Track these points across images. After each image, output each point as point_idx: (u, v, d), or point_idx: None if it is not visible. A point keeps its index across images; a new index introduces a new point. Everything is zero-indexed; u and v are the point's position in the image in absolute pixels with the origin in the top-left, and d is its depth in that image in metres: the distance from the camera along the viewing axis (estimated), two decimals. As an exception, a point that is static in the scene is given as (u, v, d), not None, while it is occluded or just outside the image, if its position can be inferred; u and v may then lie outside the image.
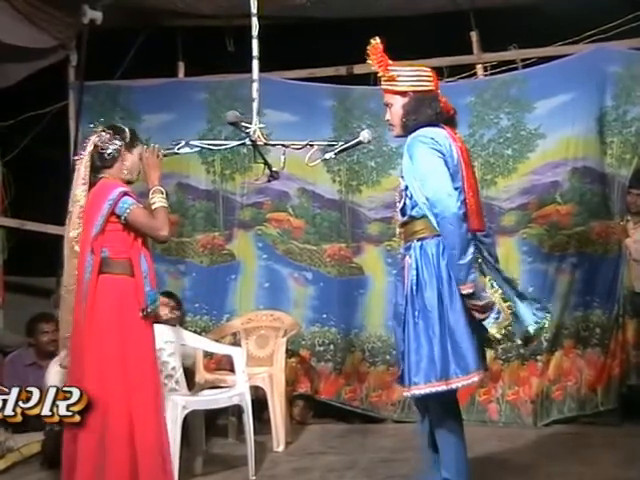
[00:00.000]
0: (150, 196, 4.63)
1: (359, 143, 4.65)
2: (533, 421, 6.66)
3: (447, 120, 4.47)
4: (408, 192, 4.36)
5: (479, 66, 7.25)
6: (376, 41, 4.43)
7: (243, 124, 4.56)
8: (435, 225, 4.27)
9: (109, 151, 4.57)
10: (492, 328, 4.30)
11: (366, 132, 4.59)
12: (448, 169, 4.29)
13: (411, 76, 4.38)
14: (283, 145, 4.62)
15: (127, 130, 4.72)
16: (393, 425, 6.93)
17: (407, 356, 4.31)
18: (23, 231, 7.39)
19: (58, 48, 6.93)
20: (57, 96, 7.47)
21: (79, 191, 4.52)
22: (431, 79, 4.44)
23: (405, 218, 4.41)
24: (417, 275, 4.30)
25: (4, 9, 6.09)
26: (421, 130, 4.33)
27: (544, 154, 6.90)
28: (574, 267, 6.80)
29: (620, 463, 5.41)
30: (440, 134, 4.35)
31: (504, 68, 7.19)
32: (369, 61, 4.44)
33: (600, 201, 6.83)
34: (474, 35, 7.19)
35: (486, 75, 7.27)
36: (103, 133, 4.61)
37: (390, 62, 4.41)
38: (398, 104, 4.41)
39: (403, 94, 4.38)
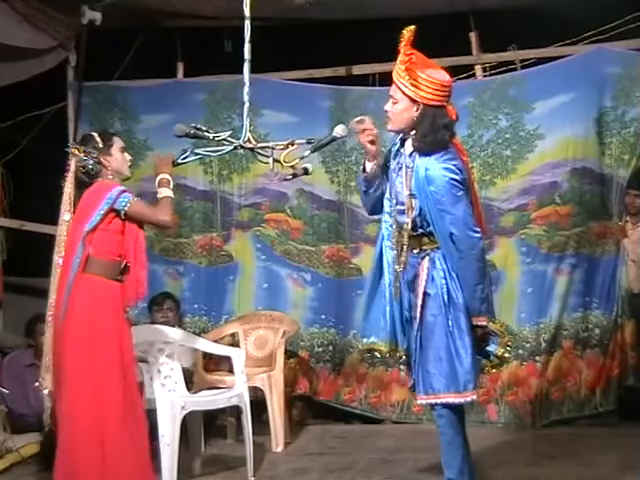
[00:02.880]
0: (157, 186, 4.69)
1: (334, 139, 4.57)
2: (532, 422, 6.67)
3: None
4: (422, 213, 4.28)
5: (478, 67, 7.24)
6: (411, 29, 4.26)
7: (205, 132, 4.57)
8: (450, 253, 4.26)
9: (90, 167, 4.64)
10: (498, 350, 4.34)
11: (339, 127, 4.51)
12: (466, 194, 4.26)
13: (430, 87, 4.20)
14: (268, 147, 4.61)
15: (95, 135, 4.76)
16: (392, 426, 6.93)
17: (431, 364, 4.29)
18: (22, 231, 7.38)
19: (57, 49, 6.92)
20: (56, 96, 7.46)
21: (66, 216, 4.65)
22: (447, 93, 4.27)
23: (415, 232, 4.35)
24: (447, 284, 4.27)
25: (3, 10, 6.08)
26: (444, 157, 4.22)
27: (543, 155, 6.90)
28: (573, 268, 6.81)
29: (619, 464, 5.42)
30: (458, 159, 4.28)
31: (503, 69, 7.18)
32: (401, 44, 4.25)
33: (599, 202, 6.84)
34: (473, 36, 7.19)
35: (485, 76, 7.27)
36: (77, 152, 4.66)
37: (415, 60, 4.24)
38: (404, 107, 4.26)
39: (413, 101, 4.24)
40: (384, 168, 4.49)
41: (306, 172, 4.54)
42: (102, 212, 4.49)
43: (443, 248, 4.26)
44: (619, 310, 6.75)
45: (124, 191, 4.55)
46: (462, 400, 4.26)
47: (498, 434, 6.45)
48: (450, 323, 4.23)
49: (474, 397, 4.29)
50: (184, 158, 4.62)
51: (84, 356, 4.47)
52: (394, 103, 4.32)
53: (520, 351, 6.81)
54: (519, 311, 6.87)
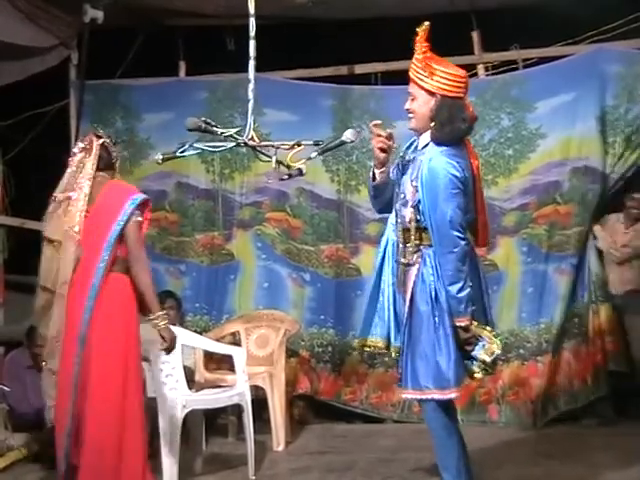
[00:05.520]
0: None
1: (342, 143, 4.54)
2: (533, 422, 6.65)
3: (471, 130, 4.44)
4: (420, 204, 4.28)
5: (480, 66, 7.24)
6: (427, 25, 4.30)
7: (214, 127, 4.55)
8: (436, 248, 4.26)
9: (114, 155, 4.78)
10: (481, 355, 4.28)
11: (349, 132, 4.50)
12: (464, 196, 4.23)
13: (447, 78, 4.24)
14: (272, 146, 4.59)
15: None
16: (393, 425, 6.93)
17: (418, 360, 4.29)
18: (23, 230, 7.38)
19: (59, 47, 6.92)
20: (58, 95, 7.46)
21: (87, 188, 4.60)
22: (464, 85, 4.32)
23: (413, 225, 4.35)
24: (434, 282, 4.26)
25: (5, 8, 6.08)
26: (450, 152, 4.23)
27: (545, 154, 6.91)
28: (574, 268, 6.79)
29: (619, 464, 5.42)
30: (465, 157, 4.28)
31: (505, 68, 7.18)
32: (416, 41, 4.28)
33: (600, 201, 6.82)
34: (475, 35, 7.18)
35: (487, 75, 7.26)
36: (105, 137, 4.78)
37: (430, 55, 4.28)
38: (423, 101, 4.28)
39: (431, 93, 4.26)
40: (397, 168, 4.50)
41: (300, 173, 4.50)
42: (129, 214, 4.56)
43: (433, 242, 4.26)
44: (592, 295, 6.74)
45: (143, 204, 4.66)
46: (444, 397, 4.24)
47: (499, 434, 6.45)
48: (436, 320, 4.23)
49: (453, 395, 4.25)
50: (182, 151, 4.60)
51: (119, 354, 4.52)
52: (413, 100, 4.33)
53: (521, 351, 6.81)
54: (520, 311, 6.88)
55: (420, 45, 4.28)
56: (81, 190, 4.61)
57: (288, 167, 4.45)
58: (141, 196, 4.66)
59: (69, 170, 4.71)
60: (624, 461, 5.45)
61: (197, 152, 4.67)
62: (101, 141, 4.71)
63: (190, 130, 4.61)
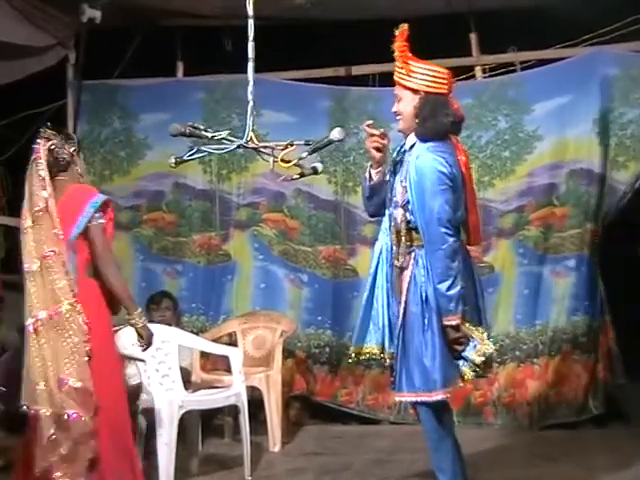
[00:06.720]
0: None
1: (330, 142, 4.55)
2: (529, 424, 6.65)
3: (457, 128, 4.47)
4: (409, 203, 4.32)
5: (478, 68, 7.24)
6: (404, 27, 4.38)
7: (203, 131, 4.55)
8: (425, 246, 4.27)
9: (64, 156, 4.57)
10: (472, 356, 4.28)
11: (336, 131, 4.50)
12: (453, 193, 4.26)
13: (426, 75, 4.31)
14: (269, 147, 4.60)
15: (72, 134, 4.84)
16: (389, 427, 6.92)
17: (411, 362, 4.30)
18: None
19: (57, 47, 6.92)
20: (55, 95, 7.45)
21: (43, 193, 4.45)
22: (446, 82, 4.36)
23: (404, 226, 4.37)
24: (426, 283, 4.27)
25: (2, 7, 6.07)
26: (437, 149, 4.26)
27: (542, 156, 6.90)
28: (570, 270, 6.80)
29: (616, 466, 5.42)
30: (452, 153, 4.31)
31: (502, 70, 7.18)
32: (395, 44, 4.36)
33: (596, 203, 6.81)
34: (473, 37, 7.19)
35: (484, 77, 7.26)
36: (54, 138, 4.59)
37: (410, 55, 4.36)
38: (408, 100, 4.35)
39: (414, 91, 4.32)
40: (389, 172, 4.52)
41: (315, 172, 4.51)
42: (88, 217, 4.43)
43: (423, 241, 4.28)
44: (603, 308, 6.72)
45: (105, 205, 4.53)
46: (430, 399, 4.26)
47: (495, 436, 6.44)
48: (426, 322, 4.25)
49: (439, 397, 4.27)
50: (191, 155, 4.61)
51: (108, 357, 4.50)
52: (399, 101, 4.40)
53: (517, 353, 6.80)
54: (516, 313, 6.87)
55: (399, 45, 4.35)
56: (39, 198, 4.46)
57: (300, 166, 4.45)
58: (101, 197, 4.52)
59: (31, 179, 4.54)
60: (621, 463, 5.46)
61: (204, 155, 4.68)
62: (49, 145, 4.54)
63: (173, 136, 4.62)
